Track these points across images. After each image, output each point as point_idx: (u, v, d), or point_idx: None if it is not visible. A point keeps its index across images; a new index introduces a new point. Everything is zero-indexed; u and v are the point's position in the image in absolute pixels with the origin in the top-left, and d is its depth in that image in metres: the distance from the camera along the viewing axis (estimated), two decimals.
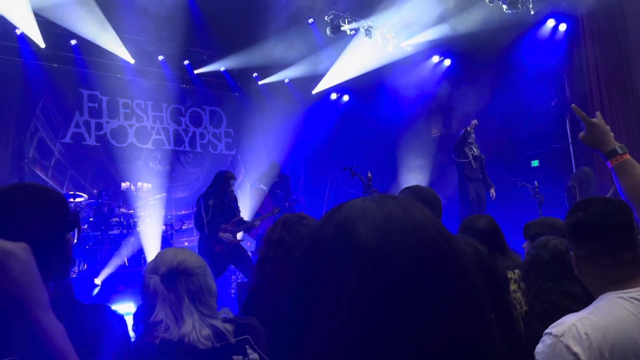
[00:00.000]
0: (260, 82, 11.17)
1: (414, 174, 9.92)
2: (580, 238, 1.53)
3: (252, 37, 9.15)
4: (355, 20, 9.30)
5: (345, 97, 11.76)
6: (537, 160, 8.92)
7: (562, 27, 8.54)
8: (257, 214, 7.77)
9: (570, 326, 1.36)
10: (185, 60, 10.17)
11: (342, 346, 0.57)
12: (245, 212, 6.54)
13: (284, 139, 11.10)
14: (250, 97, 11.33)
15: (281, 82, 11.23)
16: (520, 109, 8.67)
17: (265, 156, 10.90)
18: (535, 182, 6.68)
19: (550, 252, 2.09)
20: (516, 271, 2.50)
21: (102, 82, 9.56)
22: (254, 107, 11.38)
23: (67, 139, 9.22)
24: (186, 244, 8.98)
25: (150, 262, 1.71)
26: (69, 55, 9.01)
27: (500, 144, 8.95)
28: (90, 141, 9.47)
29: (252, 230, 6.96)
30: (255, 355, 1.65)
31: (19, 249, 0.88)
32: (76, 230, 1.36)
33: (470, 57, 9.49)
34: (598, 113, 1.86)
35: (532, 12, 8.42)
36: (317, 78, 10.96)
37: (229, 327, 1.65)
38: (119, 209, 8.17)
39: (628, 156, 1.73)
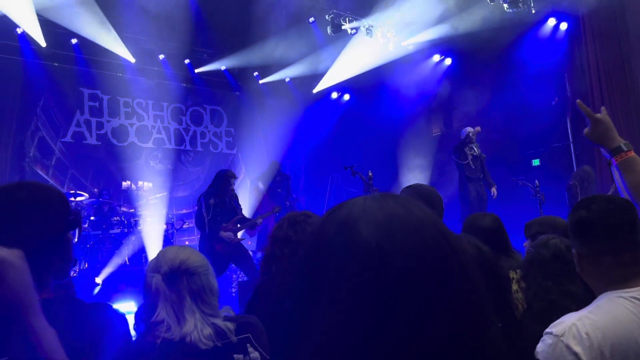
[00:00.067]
0: (261, 81, 11.17)
1: (414, 173, 9.92)
2: (582, 236, 1.52)
3: (252, 36, 9.14)
4: (356, 19, 9.29)
5: (346, 96, 11.75)
6: (537, 160, 8.92)
7: (563, 26, 8.53)
8: (256, 213, 7.77)
9: (570, 326, 1.36)
10: (186, 59, 10.17)
11: (343, 345, 0.57)
12: (244, 210, 6.54)
13: (285, 138, 11.11)
14: (251, 96, 11.33)
15: (282, 81, 11.23)
16: (521, 108, 8.67)
17: (266, 155, 10.90)
18: (536, 181, 6.67)
19: (550, 251, 2.09)
20: (518, 271, 2.49)
21: (103, 81, 9.57)
22: (254, 106, 11.37)
23: (68, 138, 9.22)
24: (187, 242, 8.97)
25: (152, 260, 1.71)
26: (70, 54, 9.01)
27: (501, 143, 8.95)
28: (91, 140, 9.47)
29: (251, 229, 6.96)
30: (256, 354, 1.65)
31: (13, 256, 0.90)
32: (77, 230, 1.36)
33: (471, 56, 9.48)
34: (603, 108, 1.83)
35: (533, 11, 8.41)
36: (317, 77, 10.96)
37: (230, 325, 1.64)
38: (120, 208, 8.17)
39: (633, 153, 1.71)
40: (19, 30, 8.24)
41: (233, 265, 6.34)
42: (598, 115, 1.77)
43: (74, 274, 6.47)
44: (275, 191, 9.05)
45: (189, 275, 1.63)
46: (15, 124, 8.56)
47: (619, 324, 1.35)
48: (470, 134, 7.62)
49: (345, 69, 10.40)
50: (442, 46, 9.74)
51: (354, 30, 9.24)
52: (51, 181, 8.70)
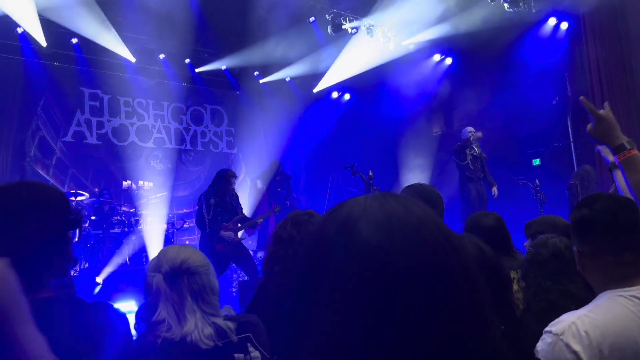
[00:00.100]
0: (261, 81, 11.17)
1: (415, 173, 9.91)
2: (584, 235, 1.52)
3: (253, 35, 9.14)
4: (357, 19, 9.28)
5: (347, 96, 11.75)
6: (538, 159, 8.91)
7: (564, 25, 8.52)
8: (255, 211, 7.77)
9: (570, 324, 1.36)
10: (186, 58, 10.17)
11: (343, 344, 0.57)
12: (244, 209, 6.56)
13: (285, 138, 11.12)
14: (251, 95, 11.33)
15: (282, 80, 11.22)
16: (521, 108, 8.66)
17: (266, 155, 10.91)
18: (537, 181, 6.67)
19: (549, 251, 2.09)
20: (518, 271, 2.49)
21: (104, 81, 9.57)
22: (255, 105, 11.38)
23: (69, 138, 9.23)
24: (187, 242, 8.98)
25: (153, 259, 1.70)
26: (70, 53, 9.01)
27: (501, 143, 8.94)
28: (92, 140, 9.47)
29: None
30: (257, 353, 1.65)
31: None
32: (77, 229, 1.36)
33: (472, 56, 9.47)
34: (606, 104, 1.80)
35: (534, 11, 8.41)
36: (318, 76, 10.96)
37: (231, 325, 1.64)
38: (120, 207, 8.17)
39: (636, 151, 1.69)
40: (19, 30, 8.24)
41: (233, 264, 6.34)
42: (601, 112, 1.75)
43: (75, 274, 6.47)
44: (276, 191, 9.06)
45: (190, 274, 1.62)
46: (16, 124, 8.57)
47: (618, 322, 1.35)
48: (471, 138, 7.64)
49: (345, 68, 10.39)
50: (443, 46, 9.73)
51: (354, 30, 9.24)
52: (52, 181, 8.70)
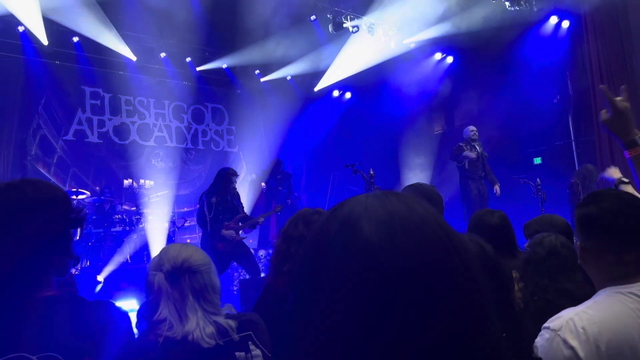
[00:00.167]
0: (262, 79, 11.16)
1: (415, 172, 9.92)
2: (588, 232, 1.51)
3: (254, 34, 9.13)
4: (358, 17, 9.28)
5: (348, 94, 11.74)
6: (539, 158, 8.91)
7: (565, 24, 8.52)
8: (255, 209, 7.77)
9: (567, 320, 1.37)
10: (187, 57, 10.17)
11: (343, 343, 0.57)
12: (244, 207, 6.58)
13: (286, 136, 11.11)
14: (252, 94, 11.33)
15: (283, 79, 11.22)
16: (522, 106, 8.66)
17: (267, 153, 10.91)
18: (538, 180, 6.67)
19: (545, 249, 2.09)
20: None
21: (105, 79, 9.58)
22: (256, 104, 11.38)
23: (70, 136, 9.23)
24: (188, 240, 8.99)
25: (154, 258, 1.70)
26: (71, 52, 9.01)
27: (502, 142, 8.94)
28: (93, 138, 9.48)
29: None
30: (258, 352, 1.65)
31: None
32: (79, 228, 1.36)
33: (473, 55, 9.47)
34: (624, 88, 1.76)
35: (535, 9, 8.41)
36: (319, 75, 10.95)
37: (232, 323, 1.64)
38: (121, 206, 8.18)
39: None
40: (20, 29, 8.25)
41: (235, 263, 6.35)
42: (621, 104, 1.71)
43: (76, 272, 6.48)
44: (277, 189, 9.06)
45: (192, 273, 1.62)
46: (17, 122, 8.58)
47: (616, 319, 1.36)
48: (467, 154, 7.61)
49: (346, 67, 10.39)
50: (444, 44, 9.72)
51: (355, 28, 9.23)
52: (53, 179, 8.71)
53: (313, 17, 9.33)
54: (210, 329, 1.59)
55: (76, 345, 1.21)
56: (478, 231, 2.65)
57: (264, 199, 9.53)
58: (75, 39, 8.83)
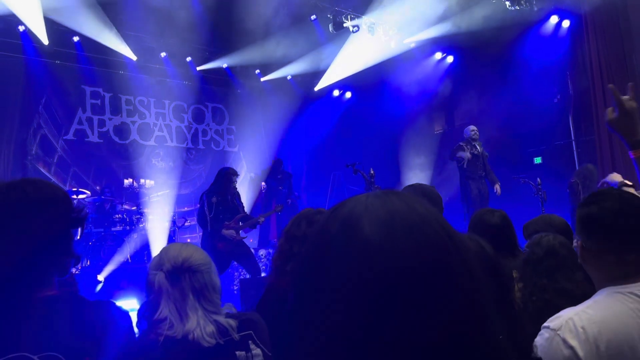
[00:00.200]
0: (262, 79, 11.16)
1: (415, 172, 9.91)
2: (588, 232, 1.51)
3: (254, 33, 9.13)
4: (358, 17, 9.28)
5: (348, 94, 11.74)
6: (539, 157, 8.91)
7: (565, 23, 8.51)
8: (254, 208, 7.77)
9: (567, 320, 1.38)
10: (187, 57, 10.17)
11: (343, 343, 0.57)
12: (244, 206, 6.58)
13: (286, 136, 11.11)
14: (252, 93, 11.32)
15: (283, 78, 11.22)
16: (522, 106, 8.66)
17: (268, 153, 10.91)
18: (538, 179, 6.67)
19: (543, 249, 2.09)
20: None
21: (105, 79, 9.58)
22: (256, 103, 11.37)
23: (70, 136, 9.23)
24: (189, 240, 8.99)
25: (155, 257, 1.70)
26: (72, 52, 9.01)
27: (502, 141, 8.94)
28: (93, 138, 9.48)
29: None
30: (258, 351, 1.65)
31: None
32: (80, 227, 1.36)
33: (473, 54, 9.47)
34: (631, 85, 1.75)
35: (535, 9, 8.40)
36: (319, 75, 10.95)
37: (232, 322, 1.65)
38: (122, 205, 8.18)
39: None
40: (21, 28, 8.25)
41: (235, 262, 6.36)
42: (629, 104, 1.69)
43: (77, 272, 6.48)
44: (277, 189, 9.07)
45: (192, 272, 1.62)
46: (18, 122, 8.58)
47: (615, 318, 1.36)
48: (460, 155, 7.62)
49: (346, 66, 10.39)
50: (444, 44, 9.72)
51: (355, 28, 9.24)
52: (53, 179, 8.71)
53: (313, 17, 9.33)
54: (210, 328, 1.59)
55: (77, 345, 1.21)
56: (479, 231, 2.65)
57: (264, 199, 9.54)
58: (76, 38, 8.83)
